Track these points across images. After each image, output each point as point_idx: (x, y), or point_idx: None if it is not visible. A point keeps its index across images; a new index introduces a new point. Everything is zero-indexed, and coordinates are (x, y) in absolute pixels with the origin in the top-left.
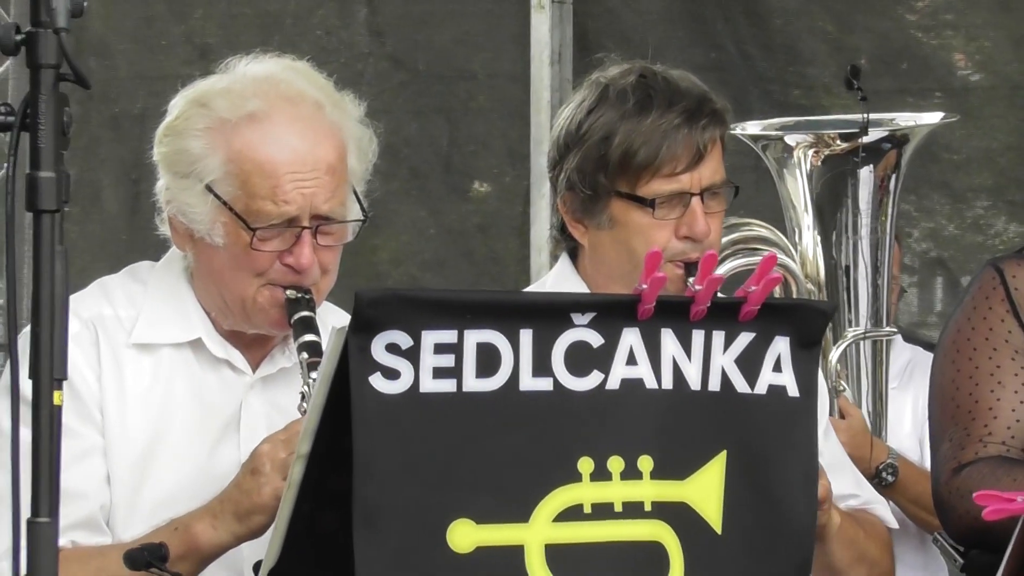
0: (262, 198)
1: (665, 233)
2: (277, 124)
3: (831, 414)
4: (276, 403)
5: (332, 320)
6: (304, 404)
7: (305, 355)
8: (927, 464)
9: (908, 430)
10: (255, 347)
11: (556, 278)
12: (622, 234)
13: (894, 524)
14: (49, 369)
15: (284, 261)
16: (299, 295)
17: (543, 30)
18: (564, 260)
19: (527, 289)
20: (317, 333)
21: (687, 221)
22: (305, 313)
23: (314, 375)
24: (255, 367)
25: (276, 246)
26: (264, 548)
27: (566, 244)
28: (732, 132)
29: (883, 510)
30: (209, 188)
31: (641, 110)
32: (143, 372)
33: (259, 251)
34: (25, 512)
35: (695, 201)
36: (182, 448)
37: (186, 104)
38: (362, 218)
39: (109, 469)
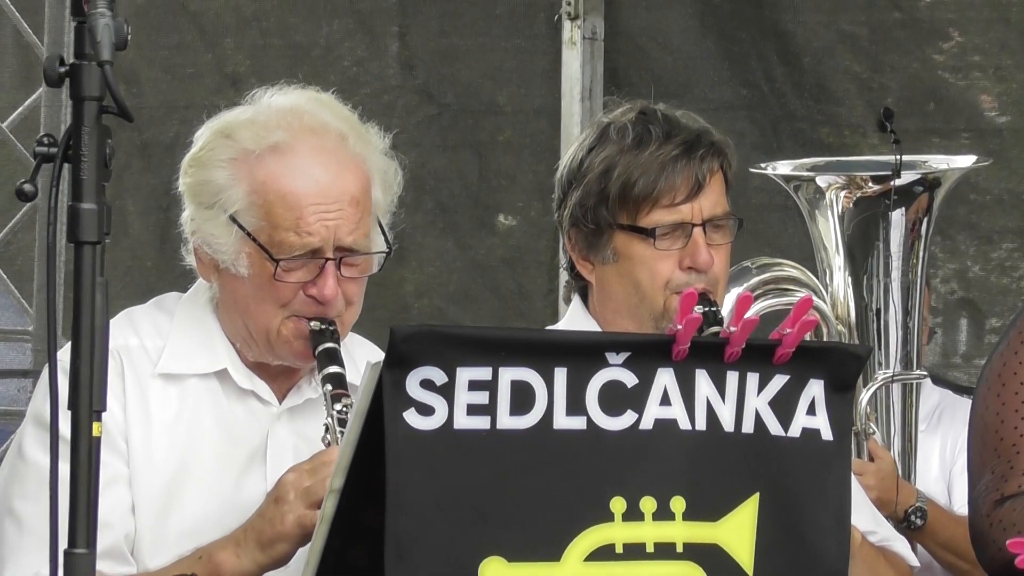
0: (285, 229)
1: (668, 265)
2: (301, 155)
3: (859, 456)
4: (303, 434)
5: (359, 352)
6: (327, 436)
7: (329, 387)
8: (955, 508)
9: (936, 474)
10: (282, 378)
11: (568, 320)
12: (626, 267)
13: (915, 562)
14: (88, 401)
15: (308, 292)
16: (323, 326)
17: (574, 66)
18: (576, 301)
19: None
20: (341, 364)
21: (690, 252)
22: (329, 345)
23: (338, 407)
24: (282, 398)
25: (300, 277)
26: None
27: (576, 285)
28: (762, 171)
29: (903, 547)
30: (233, 219)
31: (639, 143)
32: (169, 402)
33: (283, 282)
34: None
35: (697, 232)
36: (208, 479)
37: (211, 135)
38: (386, 250)
39: (135, 499)
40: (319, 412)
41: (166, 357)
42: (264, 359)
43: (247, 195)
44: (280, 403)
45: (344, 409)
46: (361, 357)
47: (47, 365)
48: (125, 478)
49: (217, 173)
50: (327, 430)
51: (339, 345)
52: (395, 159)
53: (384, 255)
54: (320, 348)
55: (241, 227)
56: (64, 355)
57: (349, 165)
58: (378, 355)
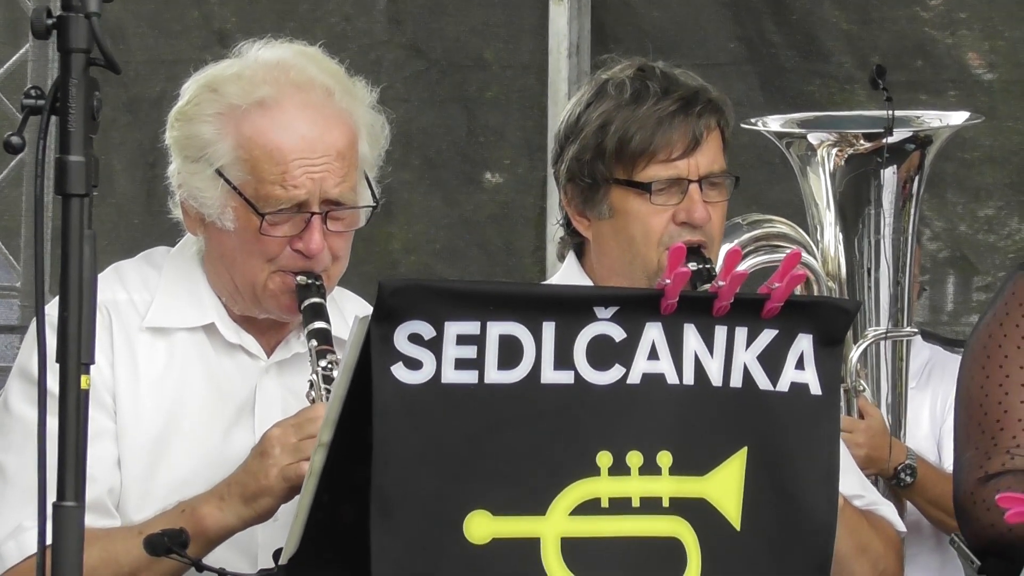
0: (271, 183)
1: (663, 220)
2: (286, 111)
3: (849, 413)
4: (291, 388)
5: (348, 306)
6: (312, 392)
7: (314, 342)
8: (945, 465)
9: (926, 430)
10: (271, 332)
11: (562, 276)
12: (622, 222)
13: (901, 527)
14: (76, 353)
15: (294, 246)
16: (309, 281)
17: (561, 22)
18: (570, 257)
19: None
20: (327, 320)
21: (685, 207)
22: (315, 300)
23: (323, 363)
24: (270, 352)
25: (286, 231)
26: (282, 535)
27: (572, 241)
28: (754, 127)
29: (889, 511)
30: (219, 173)
31: (637, 99)
32: (157, 356)
33: (269, 236)
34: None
35: (693, 188)
36: (196, 433)
37: (197, 89)
38: (373, 204)
39: (122, 453)
40: (307, 366)
41: (154, 311)
42: (250, 312)
43: (233, 150)
44: (268, 357)
45: (329, 365)
46: (350, 311)
47: (35, 319)
48: (110, 432)
49: (203, 127)
50: (312, 386)
51: (325, 300)
52: (382, 113)
53: (371, 209)
54: (306, 303)
55: (227, 181)
56: (52, 308)
57: (335, 120)
58: (367, 309)
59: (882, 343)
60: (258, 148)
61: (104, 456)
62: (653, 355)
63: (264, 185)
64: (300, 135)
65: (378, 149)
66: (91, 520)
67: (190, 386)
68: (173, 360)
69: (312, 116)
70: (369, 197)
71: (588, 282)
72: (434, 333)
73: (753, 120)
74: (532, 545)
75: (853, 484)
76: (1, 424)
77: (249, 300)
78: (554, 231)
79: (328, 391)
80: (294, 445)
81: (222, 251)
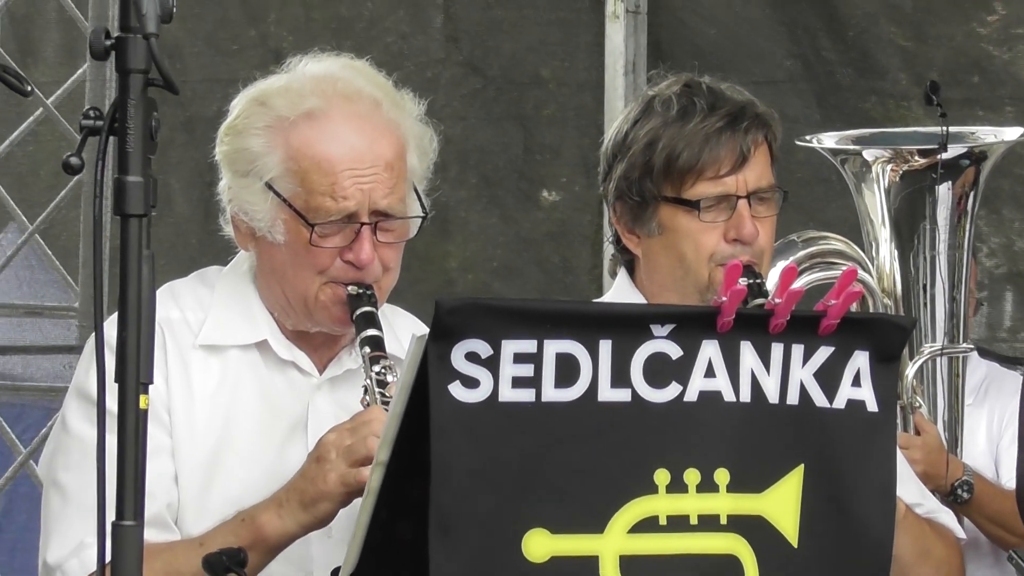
0: (321, 194)
1: (713, 237)
2: (335, 121)
3: (905, 430)
4: (343, 404)
5: (401, 323)
6: (366, 398)
7: (367, 349)
8: (1002, 481)
9: (982, 447)
10: (323, 349)
11: (614, 292)
12: (671, 239)
13: (961, 534)
14: (135, 373)
15: (344, 258)
16: (360, 291)
17: (617, 40)
18: (622, 274)
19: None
20: (379, 328)
21: (734, 224)
22: (367, 308)
23: (376, 368)
24: (322, 369)
25: (336, 242)
26: (338, 553)
27: (623, 258)
28: (809, 144)
29: (949, 519)
30: (269, 186)
31: (684, 115)
32: (210, 373)
33: (319, 247)
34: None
35: (741, 204)
36: (250, 450)
37: (246, 103)
38: (422, 215)
39: (178, 469)
40: (359, 382)
41: (207, 328)
42: (302, 326)
43: (282, 162)
44: (320, 374)
45: (383, 371)
46: (402, 327)
47: (90, 338)
48: (167, 449)
49: (252, 141)
50: (366, 391)
51: (376, 309)
52: (430, 125)
53: (421, 221)
54: (358, 312)
55: (277, 194)
56: (110, 328)
57: (383, 131)
58: (420, 328)
59: (938, 359)
60: (307, 159)
61: (163, 472)
62: (710, 373)
63: (314, 196)
64: (349, 145)
65: (427, 162)
66: (152, 535)
67: (243, 404)
68: (226, 378)
69: (360, 126)
70: (419, 209)
71: (640, 298)
72: (491, 351)
73: (808, 137)
74: (591, 563)
75: (912, 492)
76: (59, 443)
77: (301, 313)
78: (610, 248)
79: (382, 395)
80: (350, 447)
81: (273, 265)
